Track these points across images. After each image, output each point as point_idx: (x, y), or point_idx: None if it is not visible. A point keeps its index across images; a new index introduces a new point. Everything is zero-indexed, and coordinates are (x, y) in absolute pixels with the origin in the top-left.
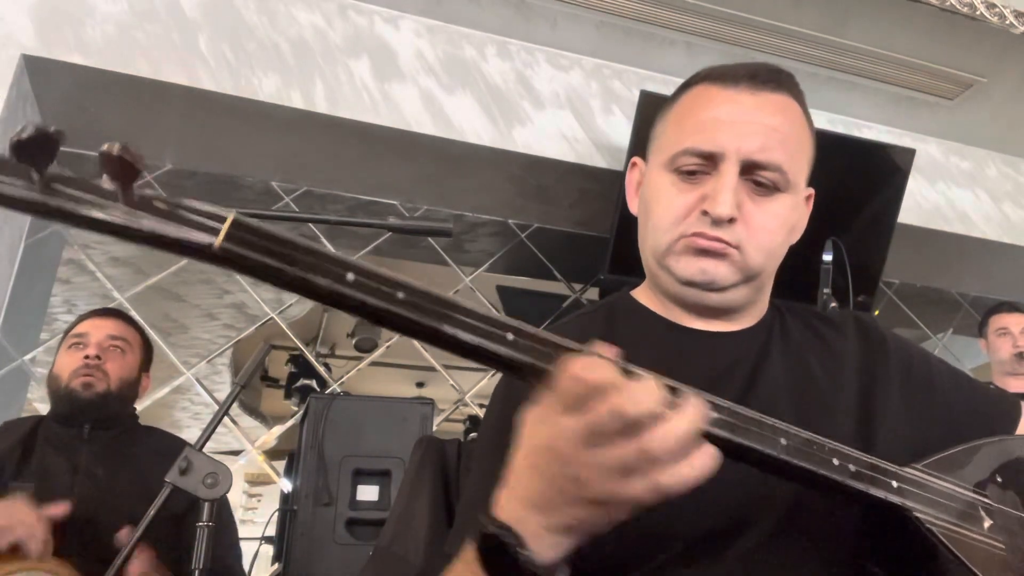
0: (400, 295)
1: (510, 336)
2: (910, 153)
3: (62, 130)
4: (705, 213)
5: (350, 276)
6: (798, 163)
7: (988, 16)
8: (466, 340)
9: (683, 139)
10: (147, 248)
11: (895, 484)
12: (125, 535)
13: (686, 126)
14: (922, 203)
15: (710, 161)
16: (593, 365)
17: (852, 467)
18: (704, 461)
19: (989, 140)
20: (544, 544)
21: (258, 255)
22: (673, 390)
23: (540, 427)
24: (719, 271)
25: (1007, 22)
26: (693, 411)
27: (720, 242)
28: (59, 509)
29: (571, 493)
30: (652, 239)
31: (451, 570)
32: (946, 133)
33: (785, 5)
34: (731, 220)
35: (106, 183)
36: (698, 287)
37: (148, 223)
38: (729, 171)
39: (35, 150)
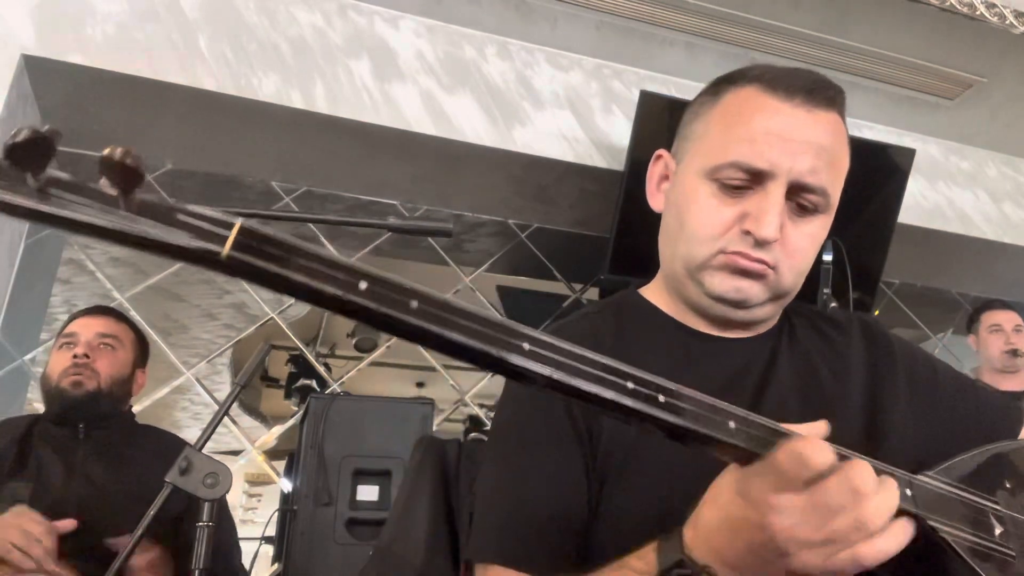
0: (413, 304)
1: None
2: (910, 153)
3: (58, 131)
4: (747, 232)
5: (363, 285)
6: (839, 184)
7: (988, 16)
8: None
9: (730, 150)
10: (149, 254)
11: (909, 492)
12: (119, 544)
13: (734, 134)
14: (922, 203)
15: (756, 177)
16: (816, 448)
17: None
18: (901, 533)
19: (989, 140)
20: None
21: (267, 264)
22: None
23: (748, 501)
24: (753, 291)
25: (1007, 22)
26: (895, 486)
27: (761, 263)
28: (68, 525)
29: (773, 564)
30: (685, 248)
31: None
32: (946, 133)
33: (785, 5)
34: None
35: (106, 187)
36: (728, 304)
37: (151, 230)
38: (777, 192)
39: (30, 154)
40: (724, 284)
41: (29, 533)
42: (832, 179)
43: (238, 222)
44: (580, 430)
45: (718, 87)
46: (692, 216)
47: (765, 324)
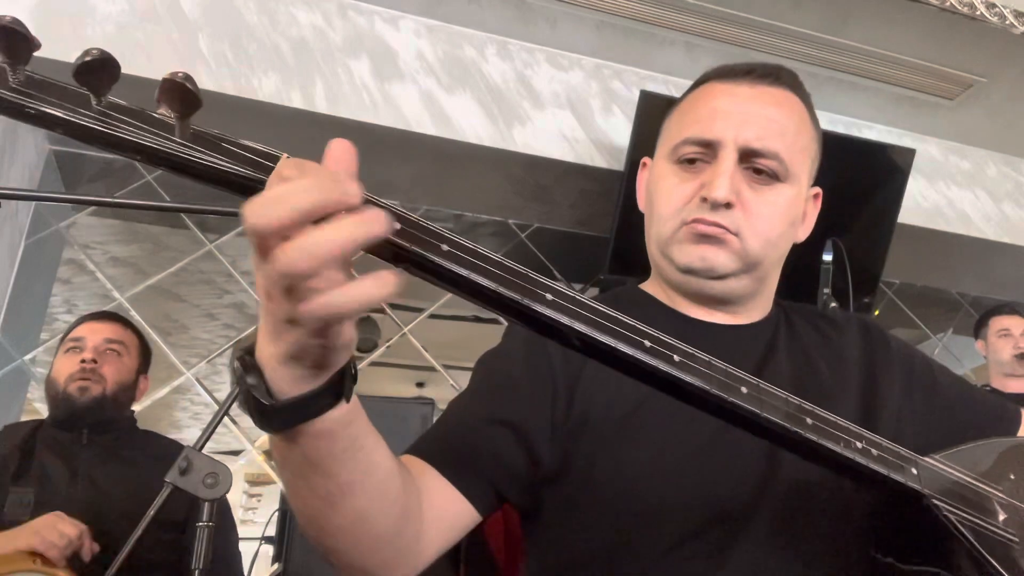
0: (444, 247)
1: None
2: (910, 153)
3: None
4: (704, 199)
5: (397, 225)
6: (798, 155)
7: (988, 16)
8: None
9: (684, 130)
10: (198, 183)
11: (915, 471)
12: None
13: (687, 119)
14: (922, 203)
15: (709, 150)
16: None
17: (875, 451)
18: (370, 286)
19: (989, 140)
20: (280, 376)
21: None
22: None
23: None
24: (718, 258)
25: (1007, 22)
26: (359, 224)
27: (718, 227)
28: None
29: (272, 313)
30: (656, 228)
31: None
32: (946, 133)
33: (785, 5)
34: (729, 205)
35: (163, 114)
36: (698, 274)
37: (204, 156)
38: (727, 158)
39: (97, 74)
40: (690, 254)
41: (69, 536)
42: (786, 147)
43: (284, 155)
44: (557, 384)
45: (684, 94)
46: (659, 196)
47: (755, 308)
